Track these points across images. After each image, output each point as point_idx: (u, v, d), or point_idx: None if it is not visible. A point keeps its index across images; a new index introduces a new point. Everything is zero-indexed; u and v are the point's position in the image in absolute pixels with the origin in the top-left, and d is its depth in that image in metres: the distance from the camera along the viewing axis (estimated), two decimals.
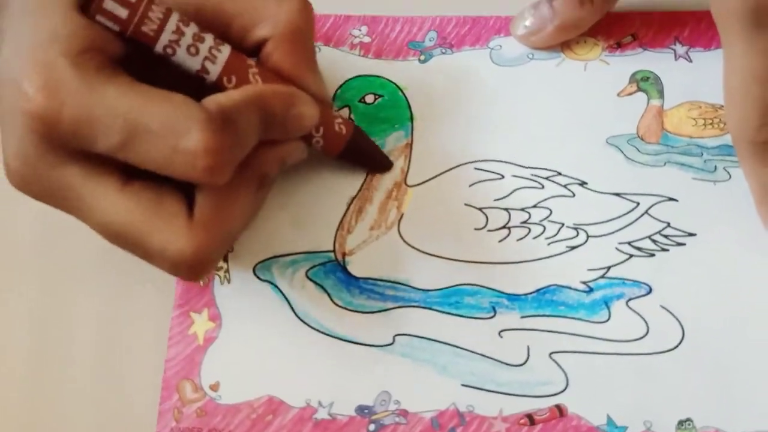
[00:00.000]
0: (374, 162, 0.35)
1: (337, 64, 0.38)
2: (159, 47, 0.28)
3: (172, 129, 0.26)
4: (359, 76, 0.37)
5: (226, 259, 0.34)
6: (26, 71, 0.26)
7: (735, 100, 0.32)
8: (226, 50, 0.30)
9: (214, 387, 0.32)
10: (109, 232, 0.28)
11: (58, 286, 0.35)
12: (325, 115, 0.33)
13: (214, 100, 0.27)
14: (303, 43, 0.32)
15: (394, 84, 0.37)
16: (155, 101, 0.26)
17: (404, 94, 0.37)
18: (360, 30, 0.38)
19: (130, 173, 0.28)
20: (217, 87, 0.30)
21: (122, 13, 0.27)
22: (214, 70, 0.29)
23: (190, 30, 0.29)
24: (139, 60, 0.29)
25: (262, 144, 0.30)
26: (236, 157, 0.28)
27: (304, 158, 0.33)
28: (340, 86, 0.37)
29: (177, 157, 0.26)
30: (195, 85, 0.29)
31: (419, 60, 0.38)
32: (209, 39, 0.29)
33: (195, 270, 0.28)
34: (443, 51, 0.38)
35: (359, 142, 0.34)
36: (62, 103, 0.26)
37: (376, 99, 0.37)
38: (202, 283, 0.34)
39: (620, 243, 0.34)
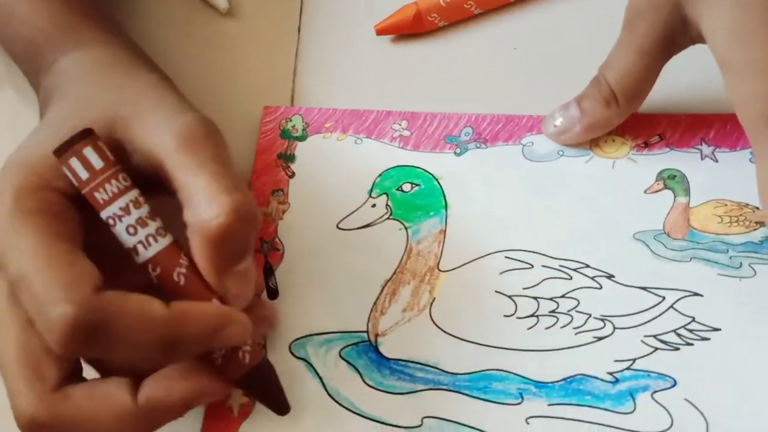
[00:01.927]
0: (272, 401, 0.33)
1: (377, 155, 0.40)
2: (103, 215, 0.29)
3: (47, 293, 0.26)
4: (398, 166, 0.40)
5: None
6: None
7: None
8: (164, 241, 0.29)
9: None
10: None
11: None
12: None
13: (117, 297, 0.27)
14: (223, 245, 0.29)
15: (431, 174, 0.39)
16: (54, 263, 0.27)
17: (440, 184, 0.39)
18: (400, 124, 0.41)
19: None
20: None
21: (83, 174, 0.29)
22: (144, 255, 0.29)
23: (138, 212, 0.29)
24: None
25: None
26: (99, 351, 0.28)
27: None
28: (380, 175, 0.39)
29: (39, 319, 0.27)
30: None
31: (455, 153, 0.40)
32: (153, 225, 0.29)
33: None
34: (478, 145, 0.40)
35: (263, 377, 0.32)
36: None
37: (413, 188, 0.39)
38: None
39: (646, 336, 0.35)
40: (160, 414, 0.29)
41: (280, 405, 0.33)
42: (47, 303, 0.26)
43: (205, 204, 0.28)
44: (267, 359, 0.32)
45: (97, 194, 0.29)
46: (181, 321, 0.27)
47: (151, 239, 0.29)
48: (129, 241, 0.29)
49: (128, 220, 0.29)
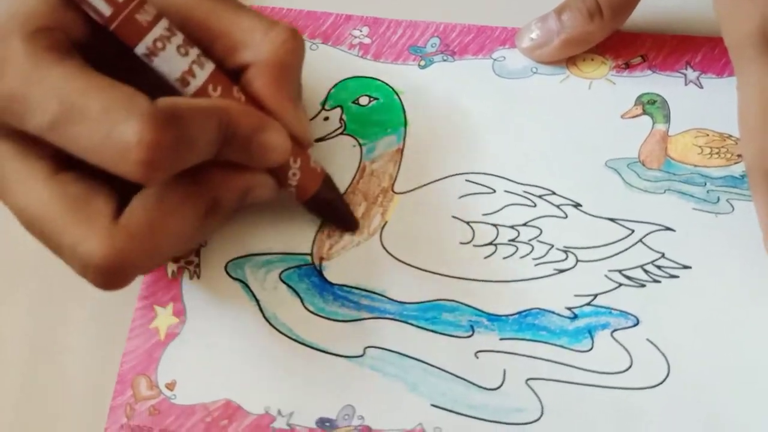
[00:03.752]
0: (342, 216, 0.33)
1: (333, 63, 0.36)
2: (148, 40, 0.27)
3: (109, 115, 0.24)
4: (355, 77, 0.36)
5: (198, 254, 0.33)
6: None
7: (751, 127, 0.30)
8: (210, 63, 0.28)
9: (170, 386, 0.31)
10: (24, 217, 0.27)
11: (16, 272, 0.34)
12: (302, 155, 0.31)
13: (169, 99, 0.25)
14: (287, 76, 0.30)
15: (391, 87, 0.36)
16: (100, 86, 0.25)
17: (400, 99, 0.36)
18: (361, 30, 0.37)
19: (65, 163, 0.26)
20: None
21: (107, 6, 0.26)
22: (201, 76, 0.28)
23: (179, 36, 0.28)
24: (105, 53, 0.27)
25: (221, 167, 0.28)
26: (177, 161, 0.26)
27: (271, 198, 0.31)
28: (335, 85, 0.36)
29: (108, 145, 0.24)
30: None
31: (419, 65, 0.36)
32: (195, 49, 0.28)
33: (105, 277, 0.26)
34: (444, 58, 0.36)
35: (331, 191, 0.33)
36: (2, 76, 0.25)
37: (370, 101, 0.36)
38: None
39: (610, 270, 0.32)
40: (224, 205, 0.29)
41: (350, 220, 0.33)
42: (116, 123, 0.24)
43: (264, 36, 0.29)
44: (330, 177, 0.32)
45: (138, 16, 0.26)
46: (233, 111, 0.27)
47: (202, 59, 0.28)
48: (181, 64, 0.27)
49: (177, 41, 0.27)
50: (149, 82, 0.27)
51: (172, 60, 0.27)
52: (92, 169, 0.26)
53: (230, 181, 0.29)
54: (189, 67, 0.28)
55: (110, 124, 0.24)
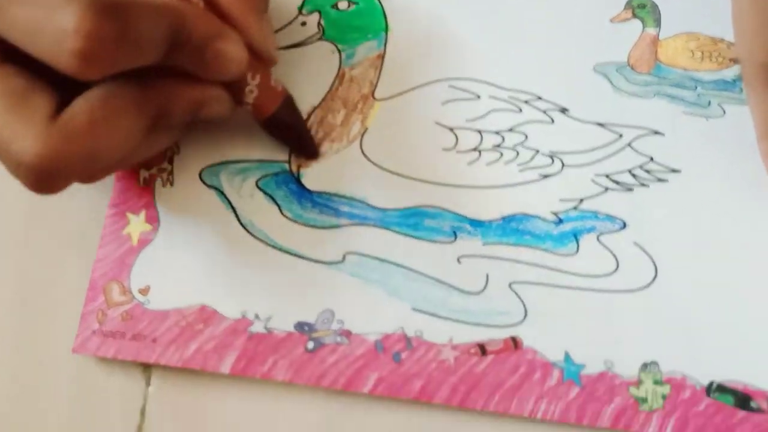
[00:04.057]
0: (301, 141, 0.32)
1: None
2: None
3: (47, 3, 0.23)
4: None
5: (171, 161, 0.32)
6: None
7: (746, 20, 0.29)
8: None
9: (144, 291, 0.30)
10: None
11: None
12: (262, 72, 0.29)
13: None
14: None
15: None
16: None
17: (380, 3, 0.34)
18: None
19: (6, 56, 0.25)
20: None
21: None
22: None
23: None
24: None
25: (173, 76, 0.27)
26: (118, 58, 0.24)
27: (226, 115, 0.29)
28: None
29: (46, 31, 0.23)
30: None
31: None
32: None
33: (37, 177, 0.24)
34: None
35: (291, 114, 0.31)
36: None
37: (350, 5, 0.34)
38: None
39: (597, 175, 0.31)
40: (171, 113, 0.27)
41: (310, 145, 0.32)
42: (57, 8, 0.23)
43: None
44: (291, 99, 0.31)
45: None
46: (188, 14, 0.26)
47: None
48: None
49: None
50: None
51: None
52: (36, 67, 0.24)
53: (181, 91, 0.28)
54: None
55: (50, 8, 0.23)
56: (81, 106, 0.25)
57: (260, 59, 0.29)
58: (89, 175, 0.27)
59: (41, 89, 0.25)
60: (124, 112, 0.26)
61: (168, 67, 0.27)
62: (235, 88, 0.29)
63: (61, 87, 0.25)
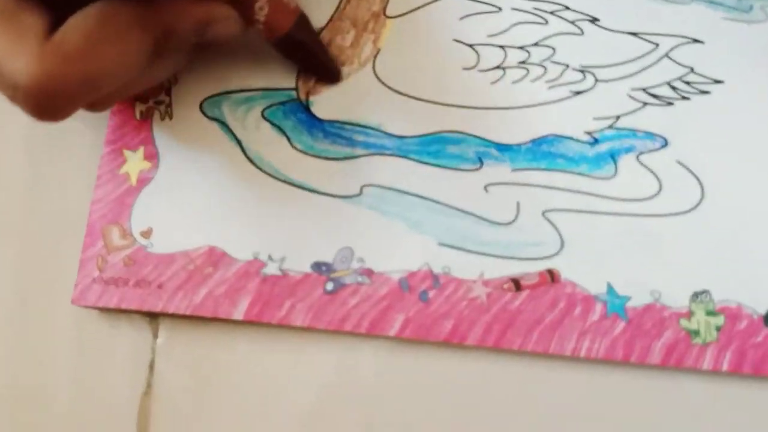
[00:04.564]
0: (320, 63, 0.29)
1: None
2: None
3: None
4: None
5: (168, 93, 0.29)
6: None
7: None
8: None
9: (146, 234, 0.27)
10: None
11: None
12: None
13: None
14: None
15: None
16: None
17: None
18: None
19: None
20: None
21: None
22: None
23: None
24: None
25: None
26: None
27: (234, 35, 0.27)
28: None
29: None
30: None
31: None
32: None
33: (35, 101, 0.22)
34: None
35: (306, 32, 0.28)
36: None
37: None
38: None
39: (633, 89, 0.28)
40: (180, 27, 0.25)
41: (330, 67, 0.29)
42: None
43: None
44: (305, 16, 0.28)
45: None
46: None
47: None
48: None
49: None
50: None
51: None
52: None
53: (186, 9, 0.25)
54: None
55: None
56: (77, 24, 0.23)
57: None
58: (92, 101, 0.25)
59: (32, 7, 0.23)
60: (125, 32, 0.24)
61: None
62: (243, 6, 0.26)
63: (55, 6, 0.23)
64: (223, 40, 0.27)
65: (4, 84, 0.23)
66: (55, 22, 0.23)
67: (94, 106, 0.26)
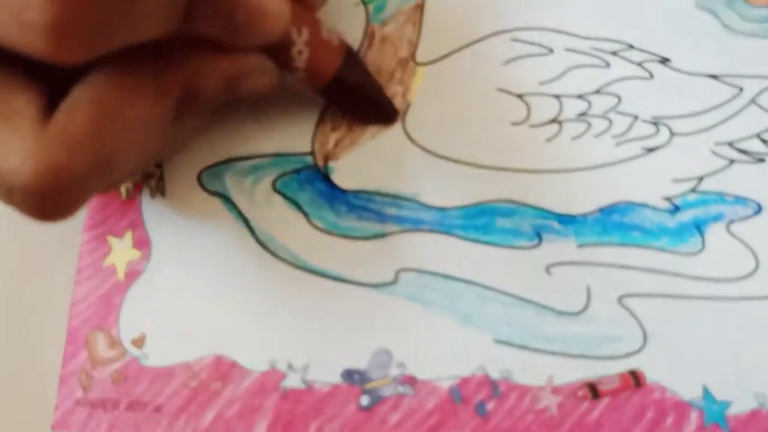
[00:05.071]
0: (374, 102, 0.24)
1: None
2: None
3: None
4: None
5: (159, 164, 0.24)
6: None
7: None
8: None
9: (138, 342, 0.23)
10: None
11: None
12: (309, 23, 0.22)
13: None
14: None
15: None
16: None
17: None
18: None
19: None
20: None
21: None
22: None
23: None
24: None
25: (197, 47, 0.20)
26: (108, 31, 0.17)
27: (272, 87, 0.22)
28: None
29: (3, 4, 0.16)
30: None
31: None
32: None
33: (38, 201, 0.18)
34: None
35: (357, 70, 0.24)
36: None
37: None
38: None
39: (717, 143, 0.24)
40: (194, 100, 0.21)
41: (387, 107, 0.24)
42: None
43: None
44: (352, 50, 0.24)
45: None
46: None
47: None
48: None
49: None
50: None
51: None
52: (10, 56, 0.17)
53: (211, 63, 0.21)
54: None
55: None
56: (81, 98, 0.19)
57: (304, 4, 0.22)
58: (107, 184, 0.21)
59: (22, 85, 0.18)
60: (140, 99, 0.19)
61: (190, 36, 0.20)
62: (278, 52, 0.22)
63: (50, 77, 0.19)
64: (257, 95, 0.22)
65: None
66: (51, 98, 0.19)
67: (109, 187, 0.22)
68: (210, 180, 0.24)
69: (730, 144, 0.24)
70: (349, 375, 0.22)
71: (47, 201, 0.18)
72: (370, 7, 0.26)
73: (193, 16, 0.19)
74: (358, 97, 0.24)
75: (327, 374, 0.22)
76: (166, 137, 0.21)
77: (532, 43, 0.25)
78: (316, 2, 0.23)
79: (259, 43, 0.21)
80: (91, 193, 0.19)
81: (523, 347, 0.22)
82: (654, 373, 0.22)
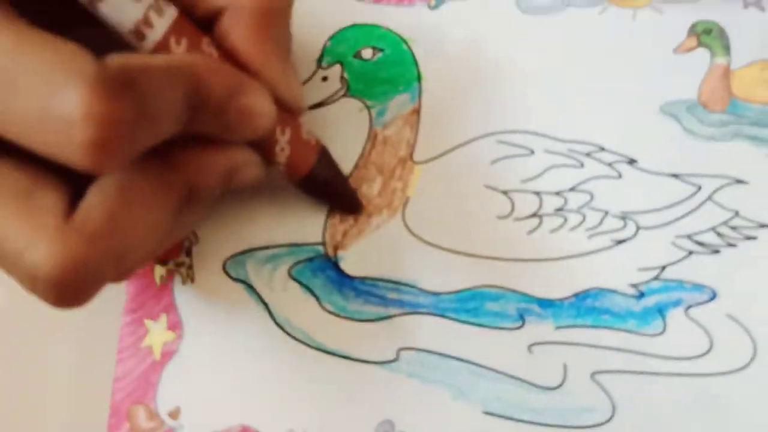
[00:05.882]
0: (342, 196, 0.28)
1: (327, 10, 0.31)
2: None
3: (45, 80, 0.18)
4: (355, 24, 0.30)
5: (189, 253, 0.28)
6: None
7: None
8: (172, 10, 0.22)
9: (174, 414, 0.26)
10: None
11: None
12: (292, 125, 0.25)
13: (121, 56, 0.20)
14: (272, 24, 0.24)
15: (398, 35, 0.30)
16: (33, 43, 0.19)
17: (410, 48, 0.30)
18: None
19: (2, 151, 0.21)
20: None
21: None
22: (160, 27, 0.22)
23: None
24: (43, 4, 0.22)
25: (197, 144, 0.23)
26: (137, 140, 0.20)
27: (259, 179, 0.25)
28: (331, 37, 0.30)
29: (47, 122, 0.18)
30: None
31: (429, 6, 0.31)
32: None
33: (59, 291, 0.20)
34: None
35: (329, 168, 0.27)
36: None
37: (375, 54, 0.30)
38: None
39: (678, 236, 0.27)
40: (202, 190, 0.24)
41: (353, 200, 0.28)
42: (55, 91, 0.18)
43: None
44: (326, 151, 0.27)
45: None
46: (202, 69, 0.22)
47: (161, 3, 0.22)
48: (134, 12, 0.21)
49: None
50: (99, 41, 0.21)
51: (123, 5, 0.21)
52: (37, 158, 0.20)
53: (209, 161, 0.24)
54: (144, 15, 0.22)
55: (47, 93, 0.18)
56: (97, 199, 0.21)
57: (288, 110, 0.25)
58: (119, 274, 0.23)
59: (49, 185, 0.21)
60: (148, 198, 0.22)
61: (187, 135, 0.22)
62: (263, 147, 0.25)
63: (69, 174, 0.21)
64: (246, 186, 0.25)
65: (21, 275, 0.21)
66: (74, 196, 0.21)
67: (120, 277, 0.25)
68: (234, 268, 0.28)
69: (689, 237, 0.27)
70: None
71: (67, 290, 0.20)
72: (373, 112, 0.29)
73: (193, 116, 0.22)
74: (329, 190, 0.27)
75: None
76: (168, 232, 0.23)
77: (515, 145, 0.29)
78: (300, 109, 0.26)
79: (250, 140, 0.24)
80: (103, 284, 0.22)
81: (509, 418, 0.26)
82: None
